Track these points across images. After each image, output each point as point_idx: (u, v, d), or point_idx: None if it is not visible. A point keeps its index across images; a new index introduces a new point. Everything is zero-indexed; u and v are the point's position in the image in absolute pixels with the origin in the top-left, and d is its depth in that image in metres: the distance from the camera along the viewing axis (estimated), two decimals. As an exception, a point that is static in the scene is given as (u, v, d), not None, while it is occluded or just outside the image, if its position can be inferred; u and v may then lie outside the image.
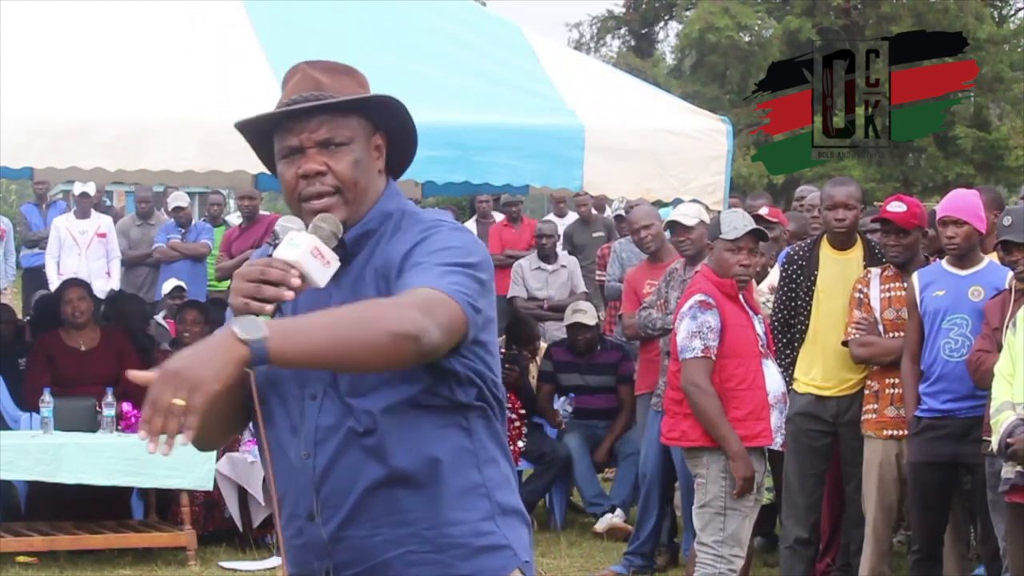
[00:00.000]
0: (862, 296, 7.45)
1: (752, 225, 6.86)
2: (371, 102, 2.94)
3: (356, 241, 2.91)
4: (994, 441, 6.30)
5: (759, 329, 6.81)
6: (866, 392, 7.46)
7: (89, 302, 10.00)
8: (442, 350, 2.75)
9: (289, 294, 2.71)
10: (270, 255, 2.79)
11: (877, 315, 7.40)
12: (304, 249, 2.75)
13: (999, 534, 6.84)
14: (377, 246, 2.91)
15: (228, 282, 12.88)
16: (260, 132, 3.02)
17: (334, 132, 2.89)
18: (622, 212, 12.35)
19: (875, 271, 7.47)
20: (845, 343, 7.45)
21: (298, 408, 2.89)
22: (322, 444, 2.86)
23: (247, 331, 2.56)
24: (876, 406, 7.40)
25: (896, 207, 7.35)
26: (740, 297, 6.80)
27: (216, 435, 2.99)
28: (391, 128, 2.98)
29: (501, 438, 3.00)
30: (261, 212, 13.49)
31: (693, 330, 6.66)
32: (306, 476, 2.87)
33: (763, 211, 9.35)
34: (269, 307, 2.69)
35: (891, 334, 7.34)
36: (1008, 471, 6.33)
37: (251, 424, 2.96)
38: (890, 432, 7.34)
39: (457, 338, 2.76)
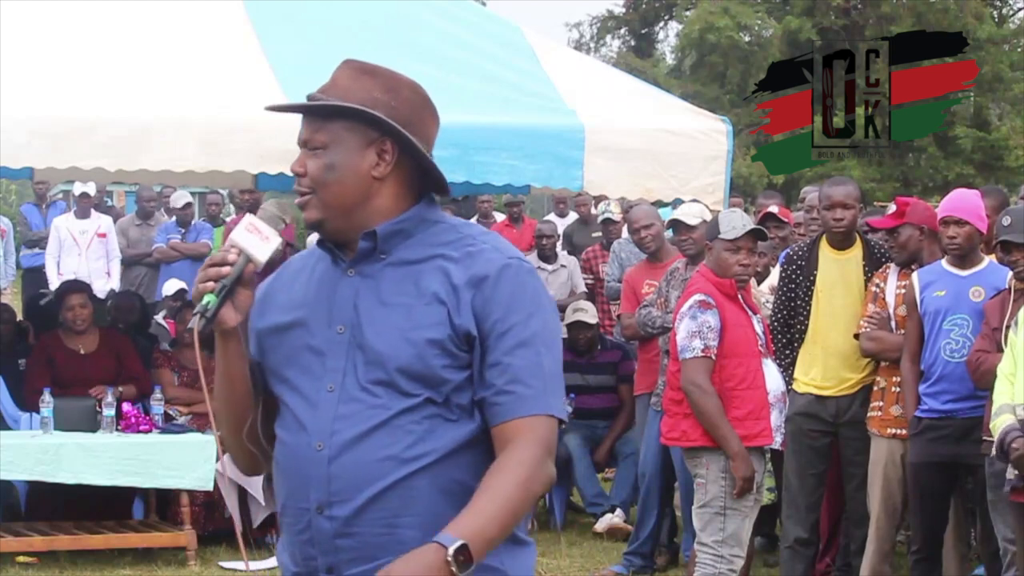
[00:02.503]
0: (878, 290, 7.44)
1: (751, 225, 6.86)
2: (346, 111, 2.92)
3: (387, 238, 2.93)
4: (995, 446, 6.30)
5: (758, 329, 6.81)
6: (874, 388, 7.46)
7: (90, 308, 9.93)
8: None
9: (225, 269, 2.88)
10: None
11: (891, 310, 7.39)
12: (241, 228, 2.94)
13: (999, 534, 6.84)
14: (410, 246, 2.94)
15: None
16: None
17: (313, 136, 2.94)
18: (610, 216, 12.33)
19: (894, 266, 7.46)
20: (857, 336, 7.45)
21: (311, 400, 2.92)
22: (337, 435, 2.88)
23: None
24: (882, 403, 7.39)
25: (882, 213, 7.47)
26: (739, 297, 6.80)
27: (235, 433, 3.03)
28: (403, 138, 2.95)
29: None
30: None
31: (693, 330, 6.65)
32: (317, 467, 2.88)
33: (773, 209, 9.36)
34: (210, 284, 2.88)
35: (902, 331, 7.33)
36: (1010, 473, 6.33)
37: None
38: (893, 431, 7.33)
39: None
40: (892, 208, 7.48)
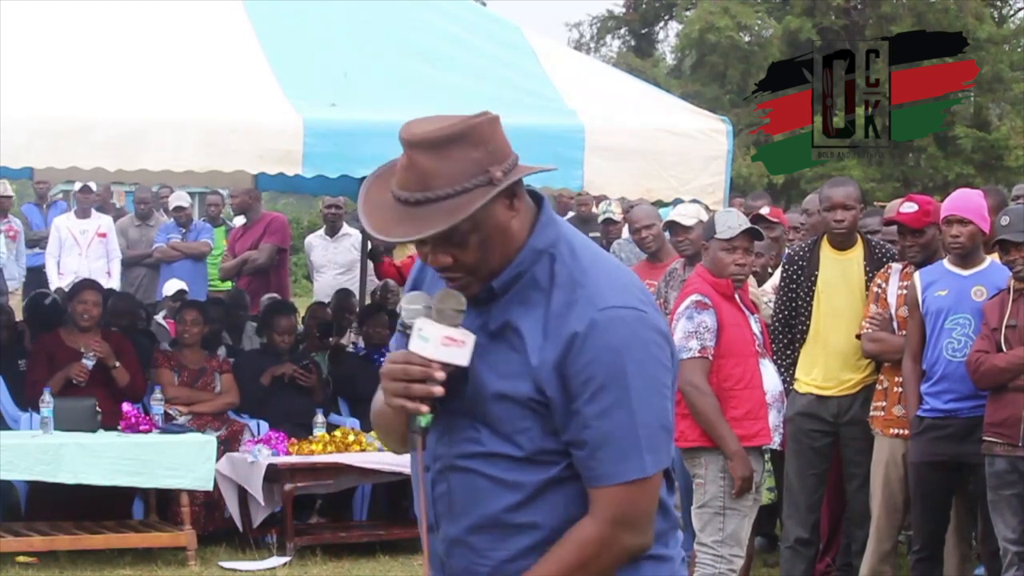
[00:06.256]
0: (880, 291, 7.42)
1: (746, 224, 6.86)
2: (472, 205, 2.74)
3: (505, 286, 2.84)
4: None
5: (755, 328, 6.82)
6: (877, 388, 7.45)
7: (100, 309, 9.98)
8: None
9: (438, 389, 2.77)
10: (405, 344, 2.82)
11: (892, 311, 7.38)
12: (435, 343, 2.79)
13: (999, 534, 6.85)
14: (523, 289, 2.84)
15: (230, 282, 12.97)
16: None
17: (450, 233, 2.76)
18: (611, 216, 12.31)
19: (896, 267, 7.44)
20: (859, 336, 7.45)
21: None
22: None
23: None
24: (884, 403, 7.38)
25: (907, 207, 7.35)
26: (736, 296, 6.80)
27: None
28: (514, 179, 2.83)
29: None
30: (263, 211, 13.44)
31: (690, 330, 6.65)
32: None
33: (764, 211, 9.36)
34: (425, 408, 2.78)
35: (903, 331, 7.32)
36: None
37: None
38: (896, 431, 7.33)
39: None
40: (913, 207, 7.36)
